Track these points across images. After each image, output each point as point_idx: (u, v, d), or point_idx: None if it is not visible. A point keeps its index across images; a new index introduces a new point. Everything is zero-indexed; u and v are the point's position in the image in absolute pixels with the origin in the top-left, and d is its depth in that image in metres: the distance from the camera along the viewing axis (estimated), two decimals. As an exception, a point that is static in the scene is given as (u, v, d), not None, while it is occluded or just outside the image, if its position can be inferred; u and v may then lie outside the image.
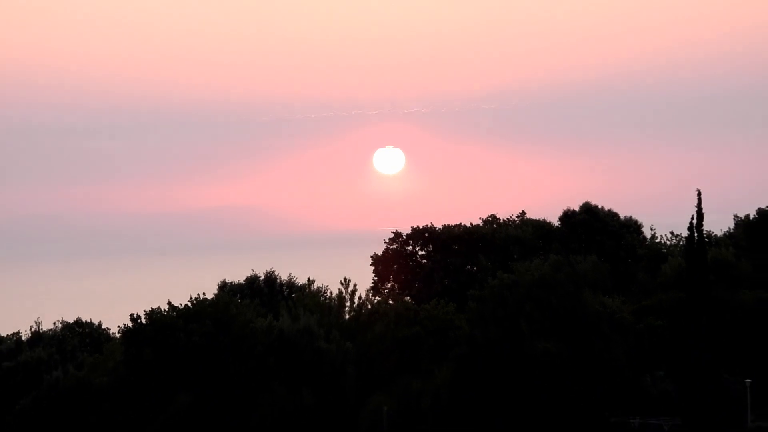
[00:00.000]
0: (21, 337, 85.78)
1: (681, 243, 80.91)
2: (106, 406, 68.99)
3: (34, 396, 70.82)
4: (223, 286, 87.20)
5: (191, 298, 73.06)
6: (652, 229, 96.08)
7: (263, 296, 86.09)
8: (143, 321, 70.86)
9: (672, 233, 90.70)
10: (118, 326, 77.76)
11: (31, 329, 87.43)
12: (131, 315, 71.55)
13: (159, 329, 69.32)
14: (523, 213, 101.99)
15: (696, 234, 62.96)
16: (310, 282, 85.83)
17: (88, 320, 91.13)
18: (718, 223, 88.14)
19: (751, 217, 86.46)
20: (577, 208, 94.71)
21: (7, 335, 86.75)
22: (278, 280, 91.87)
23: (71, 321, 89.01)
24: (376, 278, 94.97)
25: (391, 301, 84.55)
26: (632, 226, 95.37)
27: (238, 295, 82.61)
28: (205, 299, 72.94)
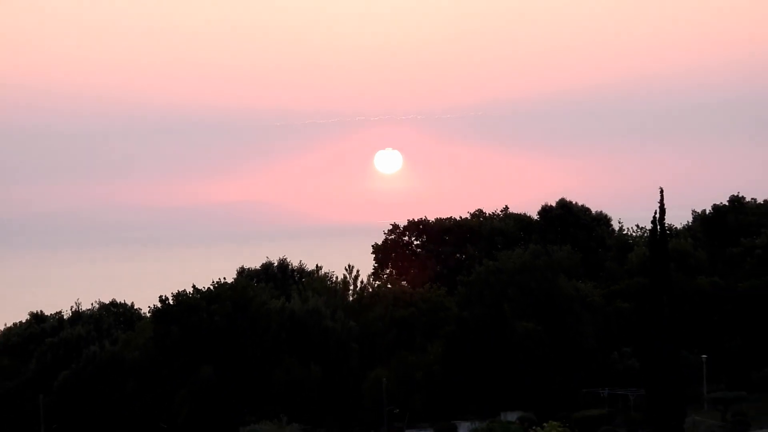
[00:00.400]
0: (63, 315, 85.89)
1: (645, 235, 79.90)
2: (137, 378, 68.73)
3: (74, 368, 70.83)
4: (242, 272, 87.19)
5: (213, 282, 72.94)
6: (619, 223, 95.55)
7: (277, 281, 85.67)
8: (171, 302, 70.61)
9: (637, 226, 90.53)
10: (149, 306, 78.17)
11: (71, 309, 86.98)
12: (160, 297, 71.37)
13: (185, 309, 68.97)
14: (506, 208, 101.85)
15: (659, 227, 60.76)
16: (318, 268, 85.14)
17: (122, 301, 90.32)
18: (678, 218, 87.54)
19: (707, 212, 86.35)
20: (553, 204, 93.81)
21: (51, 314, 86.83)
22: (290, 267, 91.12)
23: (107, 302, 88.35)
24: (376, 265, 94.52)
25: (389, 285, 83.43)
26: (602, 220, 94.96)
27: (255, 280, 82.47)
28: (226, 283, 72.84)
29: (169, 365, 68.18)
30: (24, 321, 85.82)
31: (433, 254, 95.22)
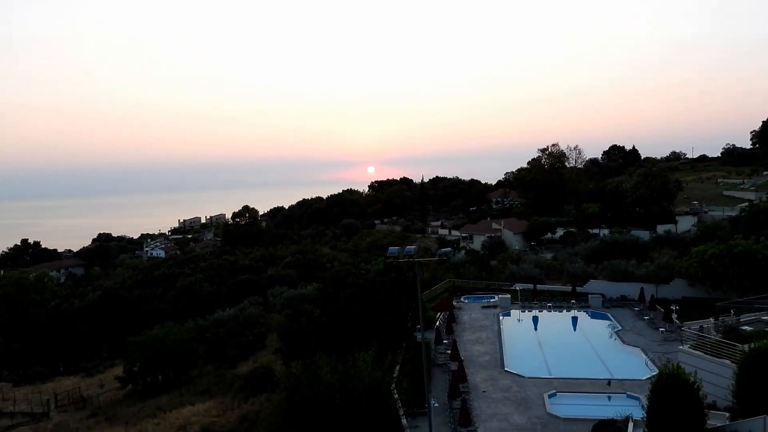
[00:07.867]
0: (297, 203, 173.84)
1: (419, 183, 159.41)
2: (311, 217, 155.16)
3: (301, 210, 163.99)
4: (343, 191, 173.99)
5: (324, 196, 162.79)
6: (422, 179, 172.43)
7: (346, 190, 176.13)
8: (310, 198, 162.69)
9: (420, 181, 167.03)
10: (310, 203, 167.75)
11: (301, 200, 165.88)
12: (302, 199, 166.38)
13: (314, 203, 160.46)
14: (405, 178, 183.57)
15: (423, 181, 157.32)
16: (354, 190, 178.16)
17: (311, 197, 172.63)
18: (428, 177, 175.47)
19: (431, 178, 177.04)
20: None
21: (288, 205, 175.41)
22: (350, 190, 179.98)
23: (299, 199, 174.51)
24: (370, 188, 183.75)
25: (372, 192, 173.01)
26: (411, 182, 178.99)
27: (343, 191, 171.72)
28: (331, 195, 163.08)
29: (316, 215, 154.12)
30: (296, 203, 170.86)
31: (382, 187, 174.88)
